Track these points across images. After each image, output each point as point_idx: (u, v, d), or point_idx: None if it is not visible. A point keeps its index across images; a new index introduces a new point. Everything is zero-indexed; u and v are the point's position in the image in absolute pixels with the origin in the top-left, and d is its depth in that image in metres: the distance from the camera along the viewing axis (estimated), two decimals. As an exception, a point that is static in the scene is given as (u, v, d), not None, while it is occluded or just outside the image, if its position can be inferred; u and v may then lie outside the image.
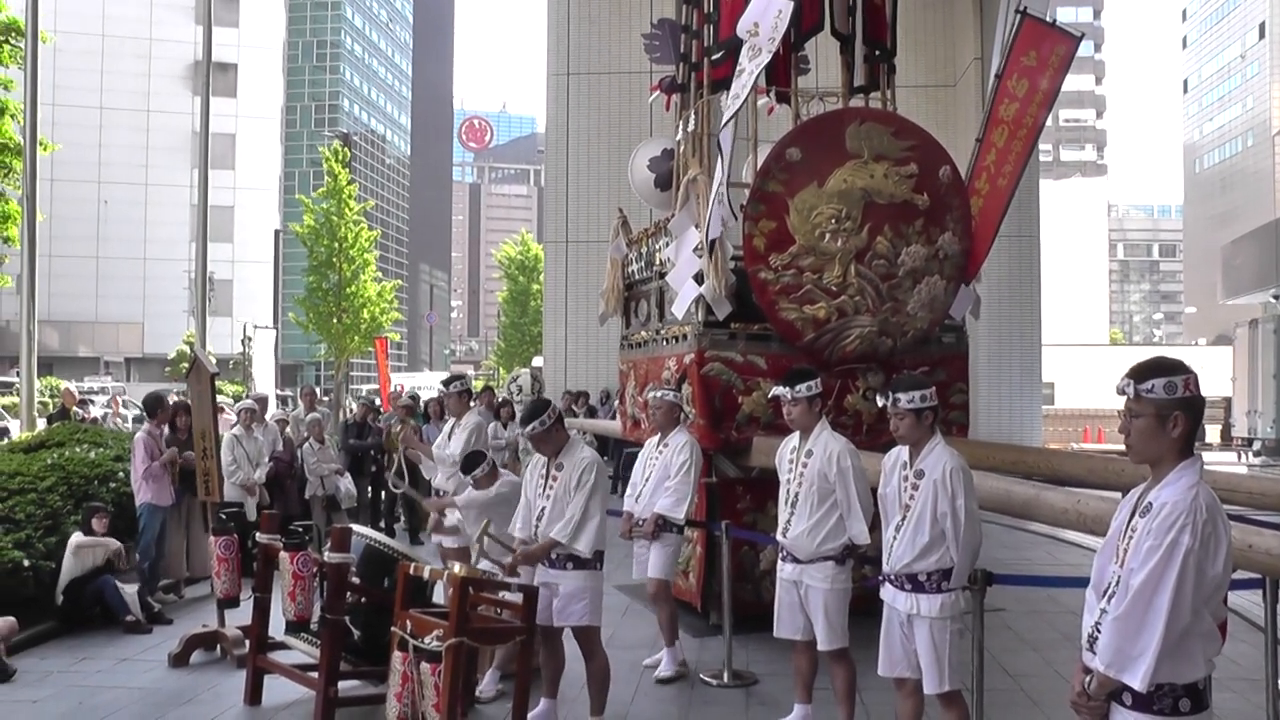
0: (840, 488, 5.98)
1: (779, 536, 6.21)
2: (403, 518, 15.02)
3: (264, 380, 38.89)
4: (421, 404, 16.53)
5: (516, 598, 6.08)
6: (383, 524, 14.36)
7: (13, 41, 19.12)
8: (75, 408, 19.59)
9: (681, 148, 9.94)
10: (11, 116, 19.18)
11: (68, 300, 71.07)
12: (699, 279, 8.55)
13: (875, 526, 5.82)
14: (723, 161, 8.11)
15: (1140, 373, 3.29)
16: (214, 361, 9.50)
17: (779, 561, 6.26)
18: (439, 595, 7.22)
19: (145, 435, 10.39)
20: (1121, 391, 3.31)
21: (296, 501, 12.67)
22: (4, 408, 33.66)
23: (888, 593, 5.27)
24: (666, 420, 7.87)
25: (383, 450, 14.39)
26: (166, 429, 10.75)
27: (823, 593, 6.01)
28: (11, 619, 8.46)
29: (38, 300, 16.49)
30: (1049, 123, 10.79)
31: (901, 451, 5.30)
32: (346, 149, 49.96)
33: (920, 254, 8.53)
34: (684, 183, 9.02)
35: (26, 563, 9.12)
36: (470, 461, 7.34)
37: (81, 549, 9.40)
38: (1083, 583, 3.50)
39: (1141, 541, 3.18)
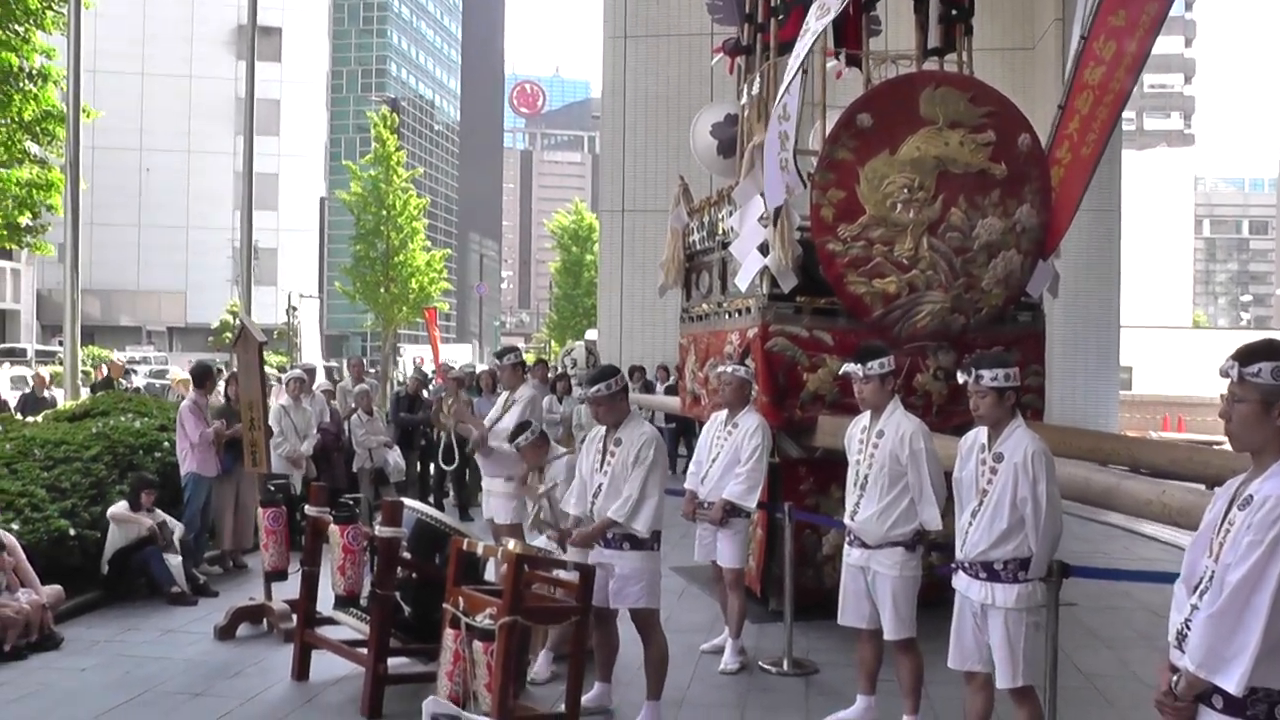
0: (912, 470, 5.95)
1: (847, 520, 6.19)
2: (452, 493, 15.13)
3: (309, 351, 39.23)
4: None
5: (572, 577, 6.11)
6: (431, 499, 14.47)
7: (55, 7, 19.31)
8: (120, 378, 19.94)
9: (746, 113, 9.88)
10: (55, 83, 19.40)
11: (109, 269, 71.97)
12: (764, 250, 8.51)
13: (946, 512, 5.79)
14: (788, 124, 8.03)
15: (1246, 355, 3.15)
16: (261, 331, 9.58)
17: (846, 546, 6.25)
18: (490, 573, 7.27)
19: (191, 404, 10.55)
20: (1225, 374, 3.17)
21: (343, 474, 12.81)
22: (48, 377, 34.28)
23: (960, 581, 5.23)
24: (736, 398, 7.84)
25: (433, 424, 14.50)
26: (213, 399, 10.90)
27: (891, 580, 5.99)
28: (58, 587, 8.64)
29: (80, 269, 16.69)
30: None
31: (979, 433, 5.25)
32: (395, 114, 50.22)
33: (996, 227, 8.45)
34: (748, 149, 8.96)
35: (72, 532, 9.28)
36: (516, 431, 7.39)
37: (119, 521, 9.55)
38: (1163, 578, 3.44)
39: (1240, 536, 3.04)
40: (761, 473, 7.67)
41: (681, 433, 18.89)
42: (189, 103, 75.86)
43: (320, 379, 16.44)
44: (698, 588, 9.99)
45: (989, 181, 8.46)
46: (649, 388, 20.39)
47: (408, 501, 6.98)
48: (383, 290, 45.48)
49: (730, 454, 7.73)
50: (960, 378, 5.25)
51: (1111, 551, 12.12)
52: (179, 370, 36.31)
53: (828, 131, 8.73)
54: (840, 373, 6.60)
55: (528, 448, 7.35)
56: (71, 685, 7.20)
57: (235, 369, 11.12)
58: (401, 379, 30.84)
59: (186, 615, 9.12)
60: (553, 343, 70.90)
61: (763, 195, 8.45)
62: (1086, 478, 5.83)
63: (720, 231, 9.67)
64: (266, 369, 9.98)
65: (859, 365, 6.10)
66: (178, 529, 9.84)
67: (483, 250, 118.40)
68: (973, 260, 8.49)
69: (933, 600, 6.78)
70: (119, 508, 9.64)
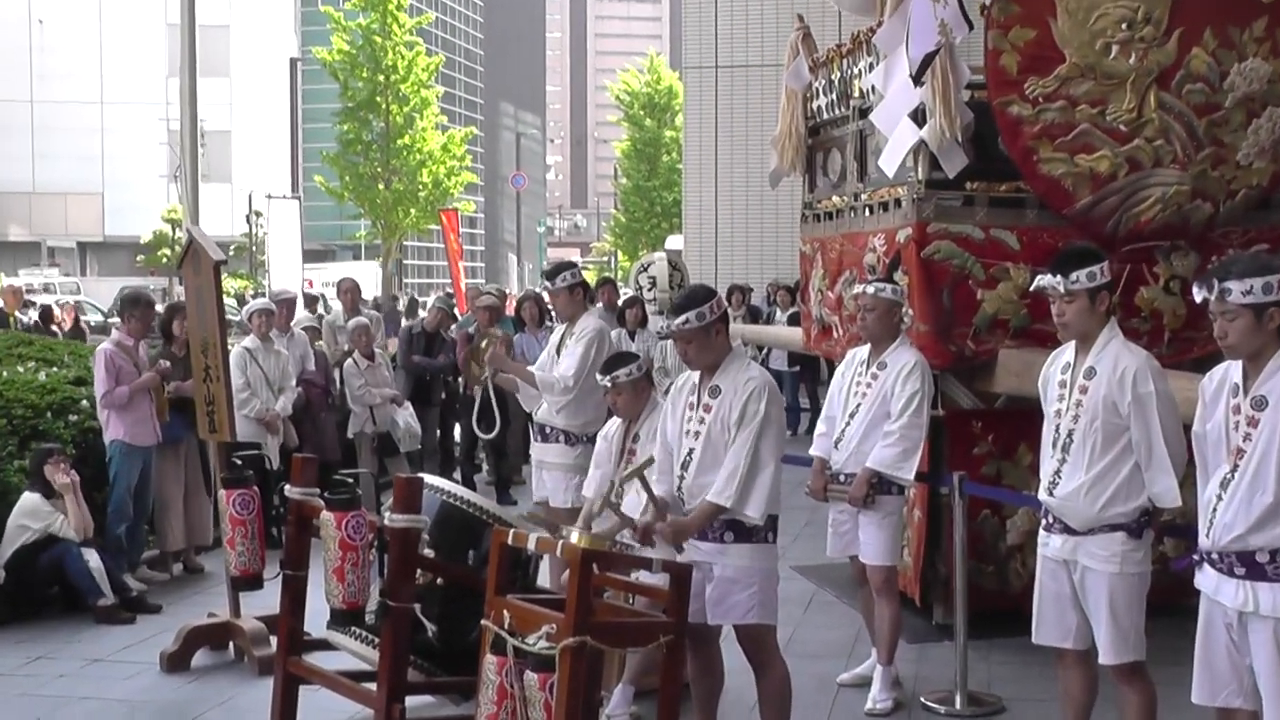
0: (1138, 424, 5.90)
1: (1043, 495, 6.17)
2: (487, 466, 15.27)
3: (284, 273, 39.54)
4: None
5: (659, 580, 6.16)
6: (459, 474, 14.64)
7: None
8: (17, 312, 20.22)
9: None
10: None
11: (-9, 164, 72.99)
12: (918, 118, 8.45)
13: (1186, 482, 5.75)
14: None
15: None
16: (216, 246, 9.67)
17: (1042, 533, 6.23)
18: (544, 577, 7.35)
19: (112, 348, 10.60)
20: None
21: (335, 442, 12.96)
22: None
23: (1208, 580, 5.20)
24: (882, 328, 7.83)
25: (458, 372, 14.60)
26: (144, 341, 10.99)
27: (1108, 579, 5.96)
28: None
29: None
30: None
31: (1231, 369, 5.20)
32: (393, -64, 50.27)
33: (1261, 72, 8.33)
34: (897, -26, 8.87)
35: (-50, 526, 9.50)
36: (615, 361, 7.41)
37: (31, 516, 9.73)
38: None
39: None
40: (922, 428, 7.67)
41: (805, 377, 18.91)
42: (96, -75, 76.38)
43: (300, 312, 16.62)
44: (831, 594, 10.04)
45: (1251, 6, 8.33)
46: (756, 315, 20.40)
47: (428, 478, 7.03)
48: (381, 186, 45.88)
49: (876, 405, 7.73)
50: (1198, 293, 5.19)
51: None
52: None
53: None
54: (1031, 288, 6.56)
55: (628, 387, 7.36)
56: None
57: (181, 299, 11.22)
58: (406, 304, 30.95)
59: (120, 638, 9.31)
60: (620, 255, 71.03)
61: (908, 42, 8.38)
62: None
63: (856, 94, 9.60)
64: (224, 299, 10.06)
65: (1059, 277, 6.05)
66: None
67: (520, 128, 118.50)
68: (1224, 123, 8.37)
69: (1169, 608, 6.75)
70: (29, 501, 9.81)
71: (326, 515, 6.72)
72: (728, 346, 6.46)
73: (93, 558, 9.75)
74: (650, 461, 6.44)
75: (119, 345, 10.67)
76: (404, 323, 19.65)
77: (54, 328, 23.02)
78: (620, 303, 16.50)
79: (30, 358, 12.27)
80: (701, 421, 6.36)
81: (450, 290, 36.40)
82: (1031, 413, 6.77)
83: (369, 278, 49.88)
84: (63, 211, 75.29)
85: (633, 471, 6.25)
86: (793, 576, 10.01)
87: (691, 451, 6.37)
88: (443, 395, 15.03)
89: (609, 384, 7.35)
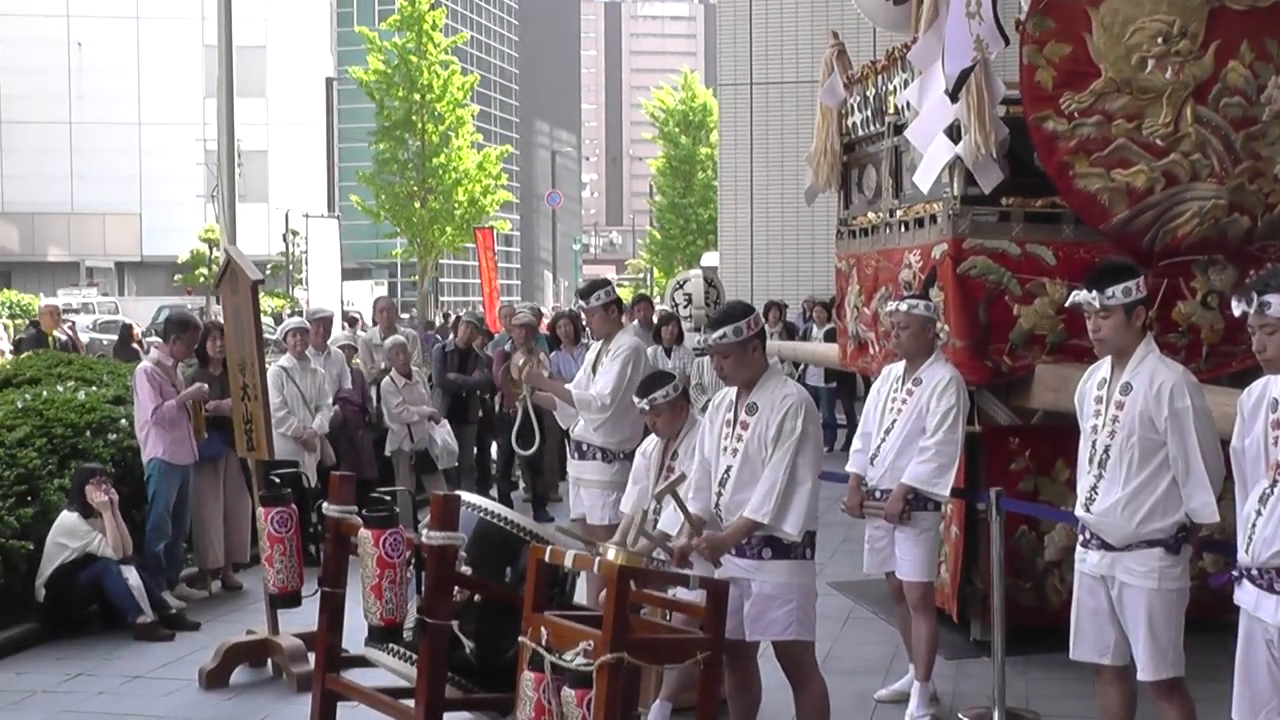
0: (1175, 439, 5.89)
1: (1080, 511, 6.16)
2: (522, 483, 15.30)
3: (324, 291, 39.70)
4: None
5: (697, 597, 6.16)
6: (495, 492, 14.67)
7: None
8: (56, 331, 20.32)
9: (928, -61, 9.79)
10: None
11: (31, 185, 73.13)
12: (953, 134, 8.45)
13: (1225, 497, 5.74)
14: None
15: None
16: (254, 265, 9.72)
17: (1079, 548, 6.22)
18: (581, 594, 7.36)
19: (152, 366, 10.70)
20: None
21: (372, 460, 13.04)
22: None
23: (1248, 596, 5.18)
24: (917, 344, 7.85)
25: (494, 388, 14.65)
26: (179, 360, 11.06)
27: (1146, 595, 5.95)
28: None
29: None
30: None
31: (1270, 384, 5.19)
32: (429, -43, 50.46)
33: (1300, 86, 8.30)
34: (931, -10, 8.88)
35: (-8, 544, 9.54)
36: (652, 382, 7.40)
37: (70, 535, 9.79)
38: None
39: None
40: (957, 444, 7.68)
41: (841, 394, 18.89)
42: (135, -52, 76.70)
43: (337, 330, 16.69)
44: (869, 610, 10.03)
45: (1289, 19, 8.31)
46: (793, 332, 20.40)
47: (465, 496, 7.06)
48: (418, 205, 45.99)
49: (911, 422, 7.75)
50: (1237, 307, 5.18)
51: None
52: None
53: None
54: (1068, 304, 6.55)
55: (665, 408, 7.38)
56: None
57: (218, 318, 11.28)
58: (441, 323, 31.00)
59: (160, 655, 9.37)
60: (655, 271, 71.04)
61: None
62: None
63: (892, 110, 9.61)
64: (262, 318, 10.11)
65: (1095, 292, 6.04)
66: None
67: (555, 145, 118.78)
68: (1261, 136, 8.36)
69: (1208, 623, 6.73)
70: (67, 520, 9.88)
71: (364, 533, 6.76)
72: (764, 363, 6.47)
73: (132, 575, 9.80)
74: (682, 479, 6.46)
75: (158, 364, 10.75)
76: (436, 340, 19.72)
77: (134, 345, 23.21)
78: (656, 320, 16.53)
79: (69, 377, 12.34)
80: (739, 438, 6.38)
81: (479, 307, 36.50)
82: (1069, 429, 6.76)
83: (362, 293, 49.96)
84: (101, 232, 75.56)
85: (665, 489, 6.26)
86: (830, 593, 10.00)
87: (729, 469, 6.38)
88: (479, 413, 15.07)
89: (646, 406, 7.36)
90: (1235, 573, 5.25)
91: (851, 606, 10.18)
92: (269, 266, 55.17)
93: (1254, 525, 5.12)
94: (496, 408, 15.03)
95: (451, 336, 16.33)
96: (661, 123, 68.37)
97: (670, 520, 6.56)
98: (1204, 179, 8.35)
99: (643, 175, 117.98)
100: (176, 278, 66.24)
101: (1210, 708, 5.87)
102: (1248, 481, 5.23)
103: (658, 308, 19.56)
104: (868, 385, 9.41)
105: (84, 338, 35.36)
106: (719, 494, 6.42)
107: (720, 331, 6.33)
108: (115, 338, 37.03)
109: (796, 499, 6.20)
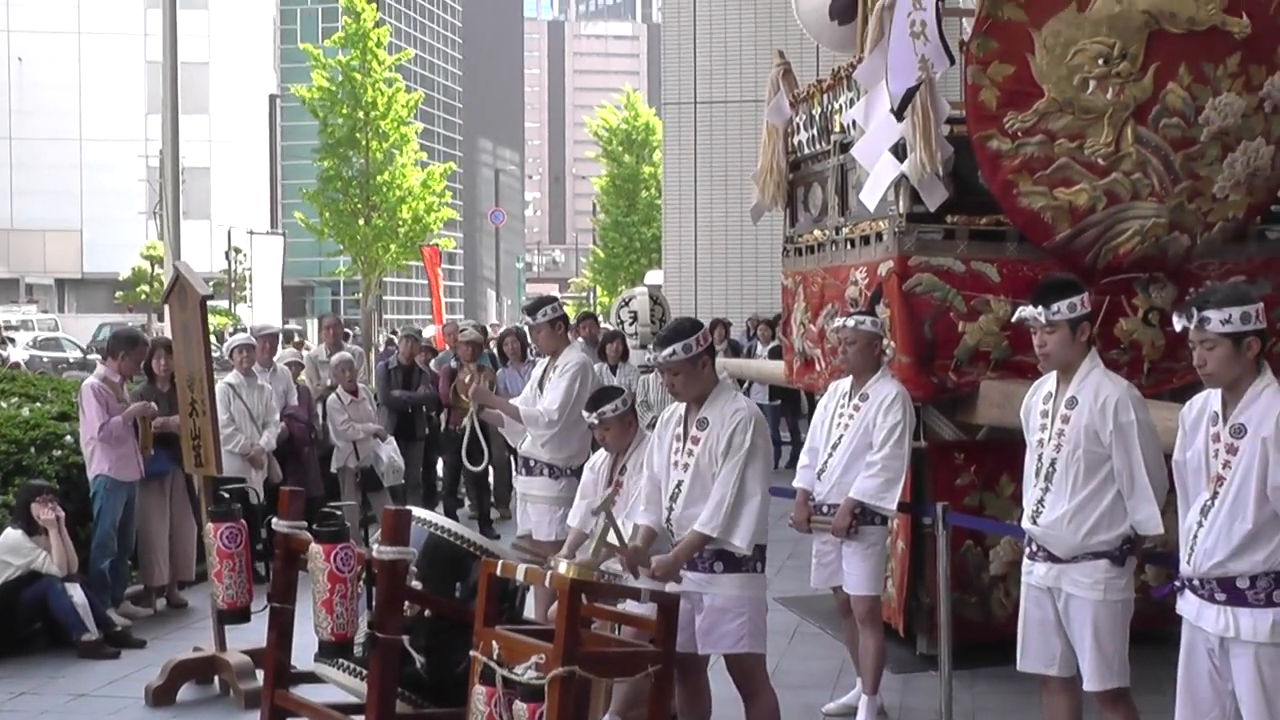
0: (1119, 452, 5.95)
1: (1026, 524, 6.21)
2: (468, 500, 15.27)
3: (267, 309, 39.59)
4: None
5: (647, 610, 6.19)
6: (441, 508, 14.64)
7: None
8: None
9: (872, -41, 9.87)
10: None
11: (-32, 201, 72.78)
12: (899, 152, 8.53)
13: (1168, 510, 5.81)
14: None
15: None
16: (204, 281, 9.70)
17: (1026, 560, 6.27)
18: (530, 610, 7.37)
19: (98, 383, 10.64)
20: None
21: (318, 477, 12.96)
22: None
23: (1189, 606, 5.26)
24: (864, 360, 7.89)
25: (440, 405, 14.63)
26: (126, 377, 11.00)
27: (1091, 606, 6.00)
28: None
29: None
30: None
31: (1210, 398, 5.27)
32: (372, -26, 50.36)
33: (1235, 107, 8.38)
34: (876, 9, 8.95)
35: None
36: (601, 397, 7.44)
37: (14, 553, 9.74)
38: None
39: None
40: (904, 459, 7.72)
41: (785, 411, 18.94)
42: (77, -36, 76.29)
43: (284, 349, 16.62)
44: (815, 625, 10.06)
45: (1224, 42, 8.37)
46: (737, 349, 20.43)
47: (416, 511, 7.06)
48: (362, 223, 45.76)
49: (858, 437, 7.79)
50: (1178, 323, 5.26)
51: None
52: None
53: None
54: (1014, 319, 6.61)
55: (615, 423, 7.41)
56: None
57: (164, 334, 11.23)
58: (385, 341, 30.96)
59: (105, 673, 9.29)
60: (599, 290, 71.02)
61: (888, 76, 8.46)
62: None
63: (837, 129, 9.66)
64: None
65: (1040, 308, 6.09)
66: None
67: (498, 164, 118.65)
68: (1200, 156, 8.42)
69: (1150, 635, 6.79)
70: (11, 537, 9.80)
71: (315, 547, 6.76)
72: (714, 379, 6.51)
73: (76, 593, 9.72)
74: (614, 497, 6.50)
75: (105, 380, 10.69)
76: (380, 356, 19.70)
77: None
78: (601, 337, 16.55)
79: (13, 393, 12.27)
80: (690, 453, 6.41)
81: (420, 324, 36.44)
82: (1013, 444, 6.83)
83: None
84: (41, 248, 75.13)
85: (599, 507, 6.29)
86: (776, 608, 10.00)
87: (680, 483, 6.41)
88: (426, 430, 15.04)
89: (595, 420, 7.40)
90: (1177, 583, 5.32)
91: (798, 621, 10.22)
92: (210, 284, 54.77)
93: (1195, 537, 5.20)
94: (442, 425, 15.01)
95: (394, 353, 16.31)
96: (605, 141, 68.37)
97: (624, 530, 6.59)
98: (1145, 198, 8.41)
99: (585, 194, 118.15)
100: (118, 295, 65.75)
101: (1154, 718, 5.93)
102: (1190, 494, 5.30)
103: (603, 326, 19.57)
104: (812, 402, 9.47)
105: (23, 355, 35.24)
106: (670, 509, 6.44)
107: (670, 349, 6.36)
108: (55, 354, 36.99)
109: (746, 512, 6.23)
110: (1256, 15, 8.43)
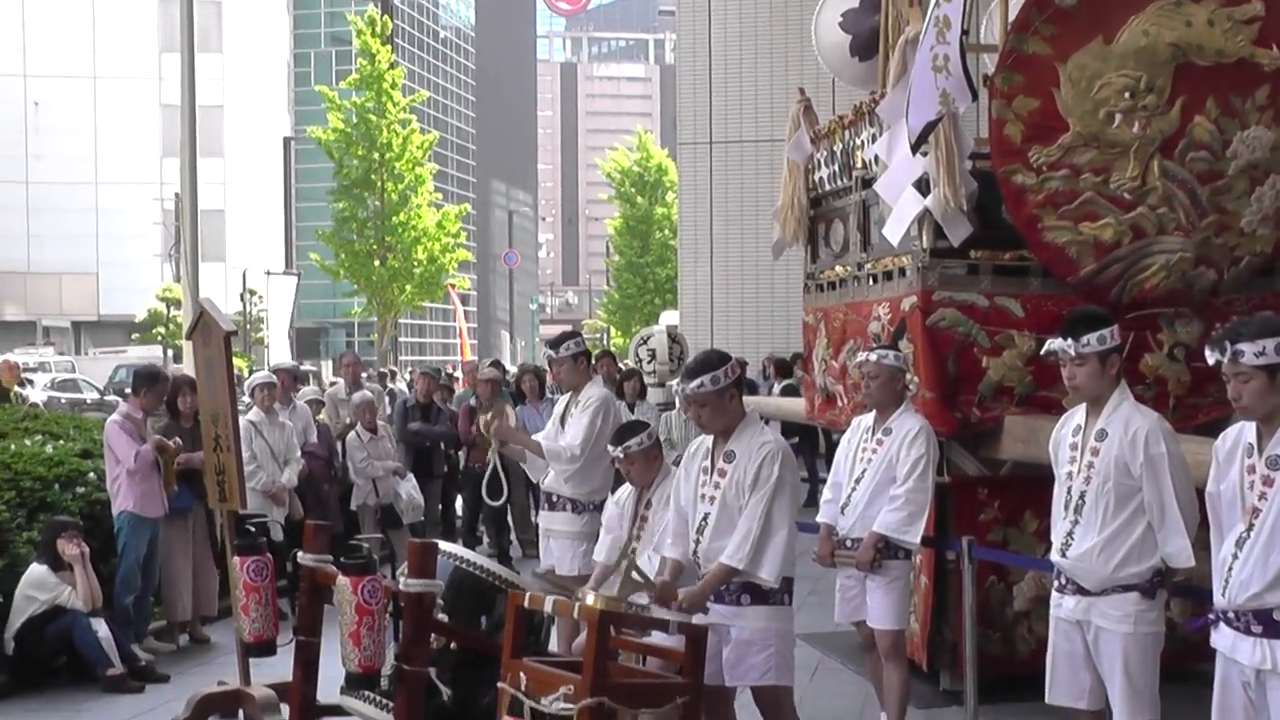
0: (1150, 485, 5.94)
1: (1055, 556, 6.21)
2: (486, 537, 15.25)
3: (277, 348, 39.69)
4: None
5: (675, 642, 6.16)
6: (461, 544, 14.61)
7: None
8: (17, 387, 20.28)
9: (893, -5, 9.90)
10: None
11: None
12: (922, 188, 8.53)
13: (1200, 543, 5.78)
14: (950, 6, 8.02)
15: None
16: (229, 319, 9.70)
17: (1055, 593, 6.26)
18: (554, 643, 7.36)
19: (123, 419, 10.72)
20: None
21: (338, 514, 12.96)
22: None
23: (1224, 639, 5.23)
24: (886, 395, 7.87)
25: (459, 442, 14.64)
26: (149, 414, 11.03)
27: (1121, 639, 5.98)
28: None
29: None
30: None
31: (1244, 430, 5.25)
32: (386, 18, 50.67)
33: (1264, 140, 8.35)
34: (898, 46, 8.97)
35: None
36: (626, 431, 7.46)
37: (40, 588, 9.75)
38: None
39: None
40: (927, 493, 7.70)
41: (802, 449, 18.89)
42: (92, 10, 76.57)
43: (306, 386, 16.65)
44: (837, 661, 10.02)
45: (1253, 75, 8.35)
46: (752, 388, 20.40)
47: (443, 545, 7.07)
48: (377, 263, 45.91)
49: (881, 471, 7.76)
50: (1211, 356, 5.24)
51: None
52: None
53: (1012, 15, 8.70)
54: (1043, 351, 6.60)
55: (640, 456, 7.42)
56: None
57: (190, 371, 11.26)
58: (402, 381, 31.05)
59: (129, 707, 9.30)
60: (612, 330, 71.09)
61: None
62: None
63: (859, 164, 9.67)
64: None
65: (1070, 340, 6.10)
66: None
67: (512, 205, 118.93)
68: (1227, 190, 8.40)
69: (1178, 672, 6.75)
70: (36, 573, 9.82)
71: (343, 580, 6.76)
72: (741, 411, 6.51)
73: (101, 628, 9.75)
74: (634, 554, 6.50)
75: (127, 417, 10.75)
76: (398, 394, 19.74)
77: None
78: (620, 375, 16.55)
79: (37, 431, 12.30)
80: (716, 486, 6.42)
81: (437, 364, 36.43)
82: (1038, 480, 6.81)
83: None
84: (58, 291, 75.42)
85: (622, 561, 6.28)
86: (799, 644, 9.90)
87: (707, 516, 6.41)
88: (444, 467, 15.06)
89: (621, 454, 7.41)
90: (1212, 615, 5.29)
91: (820, 657, 10.17)
92: (228, 324, 54.87)
93: (1230, 569, 5.17)
94: (461, 462, 15.03)
95: (411, 391, 16.34)
96: (618, 183, 68.68)
97: (645, 567, 6.58)
98: (1170, 233, 8.39)
99: (599, 235, 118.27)
100: (134, 336, 65.93)
101: (1186, 753, 5.90)
102: (1224, 526, 5.28)
103: (621, 364, 19.57)
104: (830, 440, 9.44)
105: (41, 397, 35.34)
106: (697, 541, 6.45)
107: (698, 381, 6.36)
108: (73, 395, 37.03)
109: (772, 545, 6.23)
110: (1287, 47, 8.43)
